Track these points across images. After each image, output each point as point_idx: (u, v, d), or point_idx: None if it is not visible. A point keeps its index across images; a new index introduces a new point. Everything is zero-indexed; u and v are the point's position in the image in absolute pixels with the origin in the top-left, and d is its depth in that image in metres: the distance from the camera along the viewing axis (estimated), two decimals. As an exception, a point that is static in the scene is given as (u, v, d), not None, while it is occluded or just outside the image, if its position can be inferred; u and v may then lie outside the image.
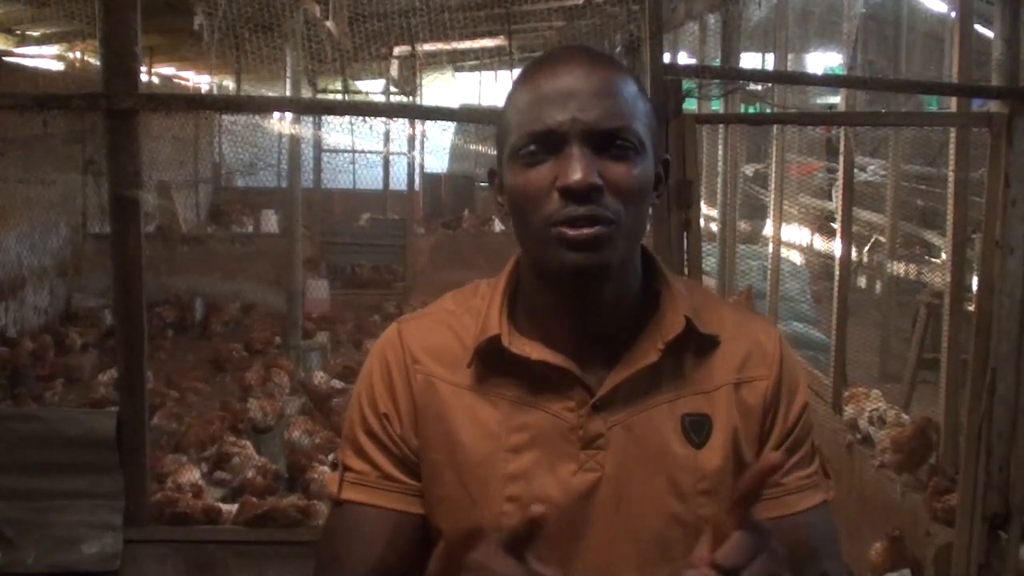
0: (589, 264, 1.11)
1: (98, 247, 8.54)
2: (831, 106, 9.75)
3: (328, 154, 11.85)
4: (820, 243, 7.99)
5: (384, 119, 4.84)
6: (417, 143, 11.92)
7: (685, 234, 3.26)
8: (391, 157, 12.34)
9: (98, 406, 5.62)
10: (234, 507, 4.14)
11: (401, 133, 10.65)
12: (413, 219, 12.09)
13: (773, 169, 6.56)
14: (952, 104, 4.58)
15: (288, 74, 6.93)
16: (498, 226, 12.59)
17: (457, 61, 11.08)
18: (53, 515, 3.16)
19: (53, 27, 8.63)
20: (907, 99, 6.36)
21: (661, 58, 3.29)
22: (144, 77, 7.21)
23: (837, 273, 5.14)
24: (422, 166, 13.11)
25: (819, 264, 8.09)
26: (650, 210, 1.20)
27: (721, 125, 6.89)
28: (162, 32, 8.22)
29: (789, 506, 1.19)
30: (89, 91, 3.37)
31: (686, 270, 3.25)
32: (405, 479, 1.21)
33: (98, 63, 3.25)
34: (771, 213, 6.55)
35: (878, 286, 7.87)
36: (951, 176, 4.16)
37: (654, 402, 1.17)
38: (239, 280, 9.63)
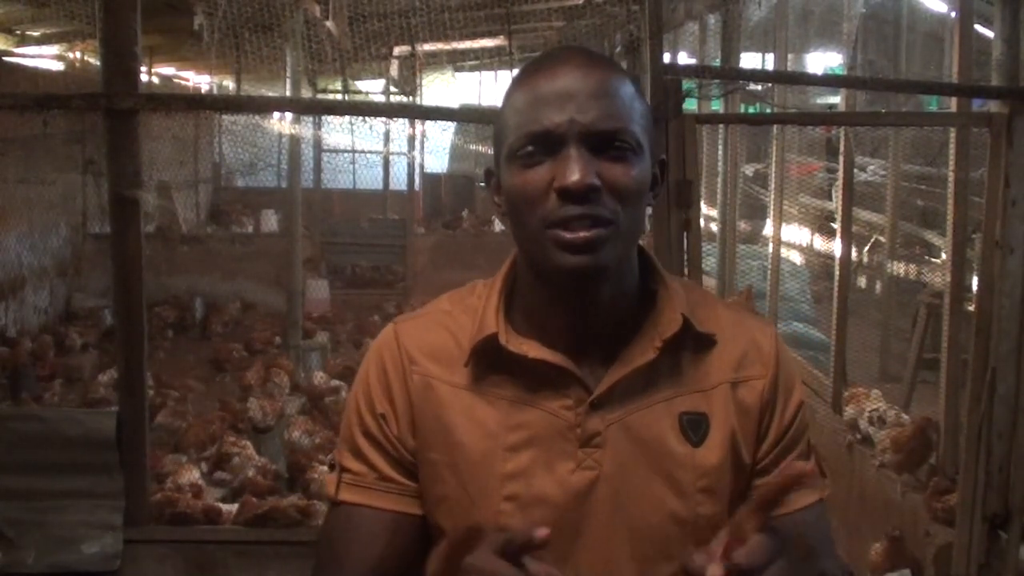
0: (586, 266, 1.11)
1: (98, 247, 8.54)
2: (831, 106, 9.75)
3: (328, 154, 11.85)
4: (820, 243, 7.99)
5: (384, 119, 4.84)
6: (417, 143, 11.91)
7: (685, 234, 3.26)
8: (391, 157, 12.34)
9: (98, 406, 5.62)
10: (234, 507, 4.14)
11: (401, 133, 10.64)
12: (413, 219, 12.09)
13: (773, 169, 6.56)
14: (952, 104, 4.58)
15: (288, 74, 6.93)
16: (498, 226, 12.58)
17: (457, 61, 11.09)
18: (53, 515, 3.16)
19: (53, 27, 8.62)
20: (907, 99, 6.36)
21: (661, 58, 3.29)
22: (144, 77, 7.21)
23: (837, 273, 5.14)
24: (422, 166, 13.11)
25: (819, 264, 8.09)
26: (648, 211, 1.20)
27: (721, 125, 6.89)
28: (162, 32, 8.21)
29: (786, 504, 1.19)
30: (89, 91, 3.37)
31: (686, 270, 3.25)
32: (402, 480, 1.21)
33: (98, 63, 3.25)
34: (771, 213, 6.55)
35: (878, 286, 7.86)
36: (951, 176, 4.16)
37: (652, 400, 1.18)
38: (239, 280, 9.63)
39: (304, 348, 7.34)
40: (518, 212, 1.15)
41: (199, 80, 14.43)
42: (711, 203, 7.79)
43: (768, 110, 7.22)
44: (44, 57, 9.58)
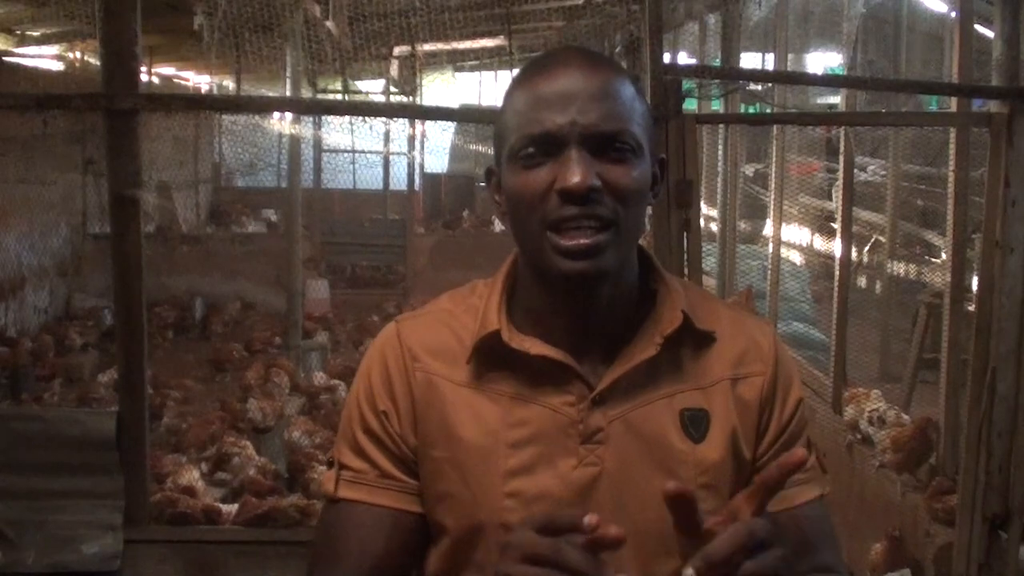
0: (586, 271, 1.12)
1: (98, 247, 8.54)
2: (831, 106, 9.76)
3: (328, 154, 11.85)
4: (820, 243, 7.99)
5: (384, 119, 4.84)
6: (417, 143, 11.93)
7: (685, 234, 3.26)
8: (391, 157, 12.35)
9: (97, 406, 5.62)
10: (234, 507, 4.14)
11: (401, 133, 10.67)
12: (413, 219, 12.10)
13: (773, 169, 6.56)
14: (952, 104, 4.58)
15: (288, 74, 6.93)
16: (498, 226, 12.59)
17: (457, 61, 11.09)
18: (53, 515, 3.17)
19: (53, 27, 8.62)
20: (907, 99, 6.36)
21: (661, 58, 3.29)
22: (144, 77, 7.21)
23: (837, 273, 5.14)
24: (422, 166, 13.13)
25: (819, 264, 8.09)
26: (648, 210, 1.21)
27: (721, 125, 6.89)
28: (162, 32, 8.22)
29: (787, 500, 1.20)
30: (89, 91, 3.38)
31: (686, 270, 3.25)
32: (404, 477, 1.21)
33: (98, 63, 3.25)
34: (771, 213, 6.55)
35: (878, 286, 7.86)
36: (951, 176, 4.16)
37: (653, 397, 1.18)
38: (239, 280, 9.64)
39: (304, 348, 7.34)
40: (518, 213, 1.16)
41: (199, 80, 14.43)
42: (711, 203, 7.79)
43: (768, 110, 7.22)
44: (44, 57, 9.58)
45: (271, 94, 8.88)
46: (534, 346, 1.18)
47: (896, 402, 5.33)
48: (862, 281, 8.29)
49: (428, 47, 8.13)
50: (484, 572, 1.17)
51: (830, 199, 7.29)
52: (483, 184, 14.09)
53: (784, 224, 6.59)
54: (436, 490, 1.20)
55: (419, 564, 1.23)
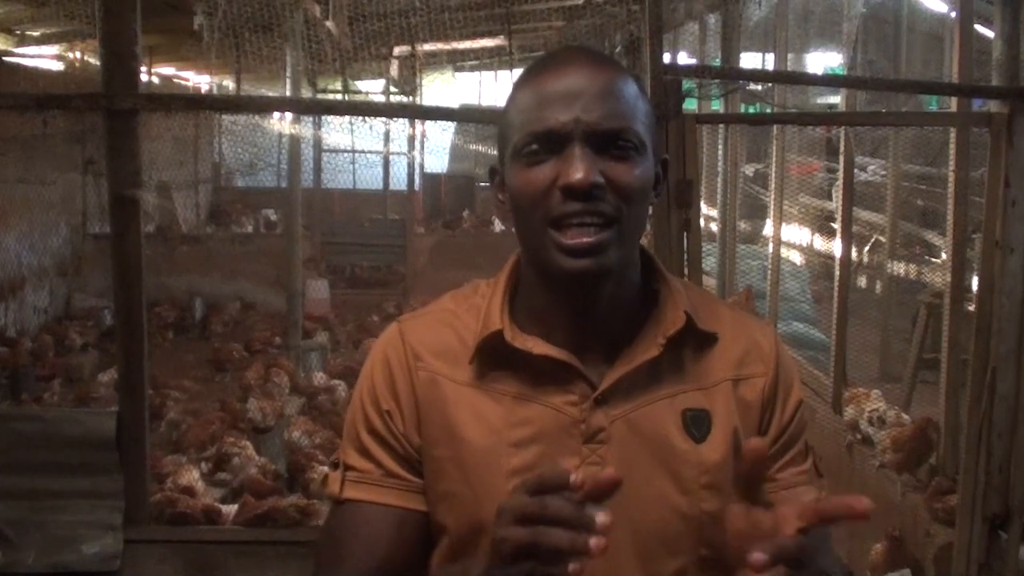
0: (589, 269, 1.12)
1: (98, 247, 8.54)
2: (831, 106, 9.75)
3: (328, 154, 11.85)
4: (820, 243, 7.99)
5: (384, 119, 4.84)
6: (417, 143, 11.93)
7: (685, 234, 3.26)
8: (391, 157, 12.35)
9: (96, 406, 5.62)
10: (234, 507, 4.14)
11: (401, 133, 10.66)
12: (413, 219, 12.09)
13: (773, 169, 6.56)
14: (952, 104, 4.58)
15: (288, 74, 6.93)
16: (498, 226, 12.59)
17: (457, 61, 11.09)
18: (53, 515, 3.16)
19: (53, 27, 8.62)
20: (907, 99, 6.36)
21: (661, 58, 3.29)
22: (144, 77, 7.20)
23: (837, 273, 5.14)
24: (422, 166, 13.13)
25: (819, 264, 8.09)
26: (649, 210, 1.21)
27: (721, 125, 6.89)
28: (162, 32, 8.22)
29: (786, 501, 1.20)
30: (89, 91, 3.37)
31: (686, 270, 3.25)
32: (408, 476, 1.22)
33: (98, 63, 3.24)
34: (771, 213, 6.55)
35: (878, 286, 7.86)
36: (951, 176, 4.16)
37: (655, 397, 1.19)
38: (239, 280, 9.64)
39: (304, 348, 7.34)
40: (521, 209, 1.16)
41: (199, 80, 14.43)
42: (711, 203, 7.79)
43: (768, 110, 7.22)
44: (44, 57, 9.57)
45: (271, 94, 8.87)
46: (537, 346, 1.18)
47: (896, 402, 5.33)
48: (862, 281, 8.30)
49: (428, 47, 8.12)
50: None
51: (830, 199, 7.29)
52: (483, 184, 14.19)
53: (784, 224, 6.59)
54: (438, 489, 1.20)
55: (426, 563, 1.23)
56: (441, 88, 11.99)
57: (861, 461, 4.87)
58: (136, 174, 3.17)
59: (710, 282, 6.65)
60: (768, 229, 6.96)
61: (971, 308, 4.05)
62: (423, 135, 11.28)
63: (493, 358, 1.20)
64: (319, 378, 6.69)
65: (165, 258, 9.23)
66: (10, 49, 9.13)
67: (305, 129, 8.30)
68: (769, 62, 8.15)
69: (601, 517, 0.92)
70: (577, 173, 1.10)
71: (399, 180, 12.73)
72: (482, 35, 8.34)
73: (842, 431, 5.04)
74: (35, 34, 9.19)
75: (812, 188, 7.74)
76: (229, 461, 4.83)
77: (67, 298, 9.17)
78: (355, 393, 1.27)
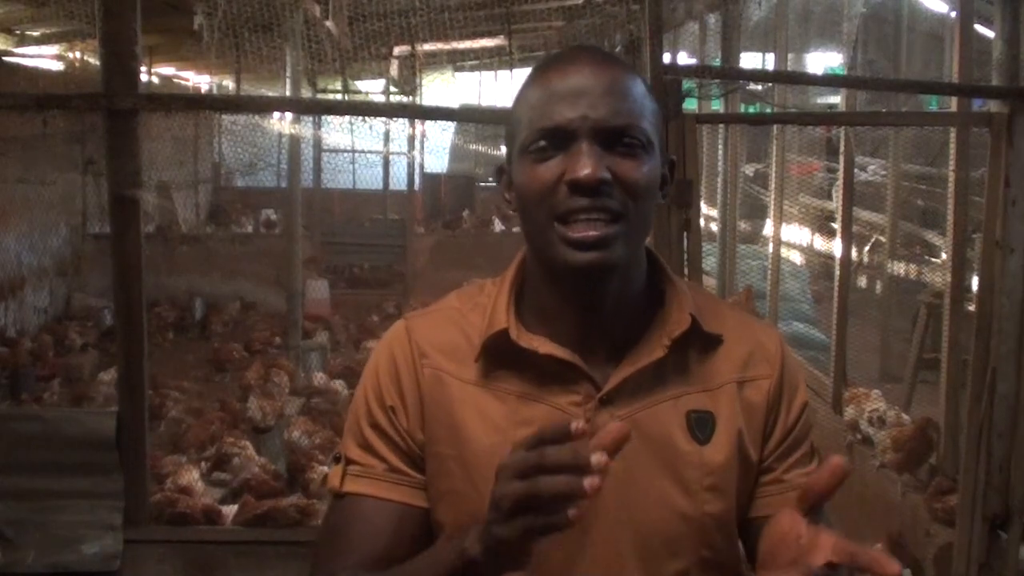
0: (595, 263, 1.12)
1: (98, 247, 8.54)
2: (831, 106, 9.75)
3: (328, 154, 11.85)
4: (820, 243, 7.99)
5: (384, 119, 4.84)
6: (417, 143, 11.93)
7: (685, 234, 3.26)
8: (391, 157, 12.35)
9: (93, 406, 5.62)
10: (234, 507, 4.14)
11: (401, 133, 10.66)
12: (413, 219, 12.09)
13: (773, 169, 6.56)
14: (952, 104, 4.58)
15: (288, 74, 6.93)
16: (498, 226, 12.59)
17: (457, 61, 11.09)
18: (53, 515, 3.16)
19: (53, 27, 8.62)
20: (907, 99, 6.36)
21: (661, 58, 3.29)
22: (144, 77, 7.20)
23: (837, 273, 5.14)
24: (422, 166, 13.12)
25: (819, 264, 8.09)
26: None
27: (721, 125, 6.89)
28: (162, 32, 8.22)
29: (791, 503, 1.20)
30: (89, 91, 3.37)
31: (686, 270, 3.25)
32: (410, 472, 1.22)
33: (98, 63, 3.24)
34: (771, 213, 6.55)
35: (878, 286, 7.86)
36: (951, 176, 4.16)
37: (659, 398, 1.19)
38: (239, 280, 9.64)
39: (304, 348, 7.34)
40: (527, 205, 1.16)
41: (199, 80, 14.43)
42: (711, 203, 7.79)
43: (768, 110, 7.22)
44: (44, 57, 9.57)
45: (271, 94, 8.87)
46: (542, 345, 1.18)
47: (896, 402, 5.33)
48: (862, 281, 8.30)
49: (428, 47, 8.12)
50: None
51: (830, 199, 7.28)
52: (483, 184, 14.19)
53: (784, 224, 6.59)
54: (440, 487, 1.20)
55: None
56: (441, 88, 11.99)
57: (861, 461, 4.87)
58: (136, 174, 3.17)
59: (710, 282, 6.65)
60: (768, 229, 6.96)
61: (971, 308, 4.05)
62: (423, 135, 11.29)
63: (498, 357, 1.20)
64: (319, 378, 6.69)
65: (165, 258, 9.22)
66: (10, 49, 9.13)
67: (305, 129, 8.30)
68: (769, 62, 8.14)
69: (596, 457, 0.91)
70: (584, 168, 1.10)
71: (399, 180, 12.73)
72: (482, 35, 8.34)
73: (842, 431, 5.04)
74: (35, 34, 9.19)
75: (812, 188, 7.73)
76: (229, 461, 4.83)
77: (67, 298, 9.17)
78: (359, 388, 1.27)
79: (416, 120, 8.24)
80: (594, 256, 1.12)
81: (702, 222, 4.30)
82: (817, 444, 1.30)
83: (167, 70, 13.37)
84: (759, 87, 6.30)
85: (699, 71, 3.70)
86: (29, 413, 4.57)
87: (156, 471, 4.34)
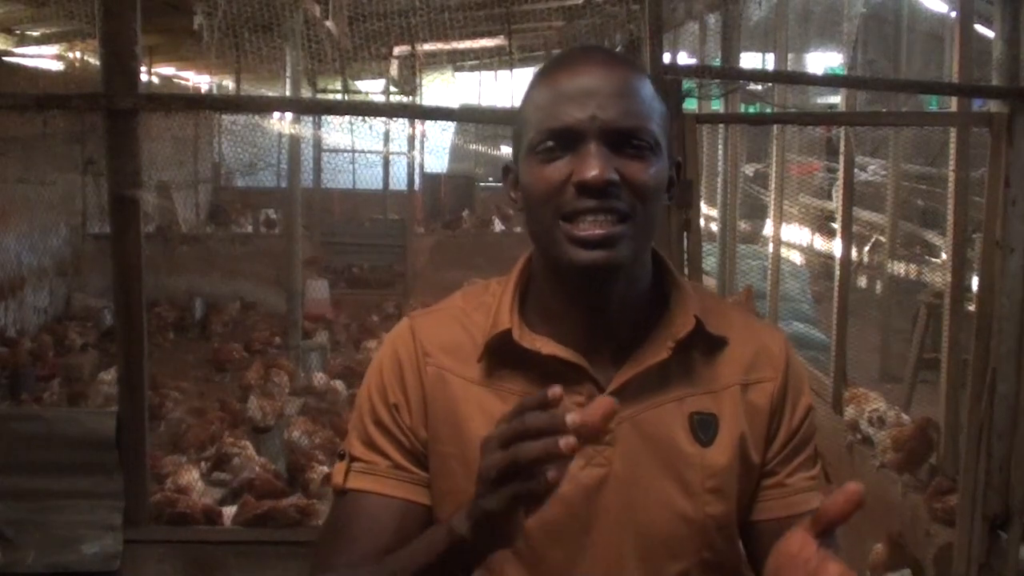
0: (601, 262, 1.12)
1: (98, 247, 8.54)
2: (831, 106, 9.75)
3: (328, 154, 11.85)
4: (820, 243, 7.99)
5: (384, 119, 4.84)
6: (417, 143, 11.93)
7: (685, 234, 3.26)
8: (391, 157, 12.35)
9: (92, 405, 5.62)
10: (234, 508, 4.14)
11: (401, 133, 10.66)
12: (413, 219, 12.09)
13: (773, 169, 6.56)
14: (952, 104, 4.58)
15: (288, 74, 6.93)
16: (498, 226, 12.59)
17: (457, 61, 11.07)
18: (53, 515, 3.16)
19: (53, 27, 8.62)
20: (907, 99, 6.36)
21: (661, 58, 3.29)
22: (144, 77, 7.20)
23: (837, 273, 5.14)
24: (422, 166, 13.12)
25: (819, 264, 8.09)
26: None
27: (721, 125, 6.89)
28: (162, 32, 8.22)
29: (794, 507, 1.21)
30: (89, 91, 3.37)
31: (686, 270, 3.25)
32: (413, 469, 1.22)
33: (98, 63, 3.24)
34: (771, 213, 6.55)
35: (878, 286, 7.86)
36: (951, 176, 4.16)
37: (663, 400, 1.19)
38: (239, 280, 9.63)
39: (304, 348, 7.34)
40: (533, 205, 1.16)
41: (199, 80, 14.43)
42: (711, 203, 7.79)
43: (768, 110, 7.22)
44: (44, 57, 9.57)
45: (271, 94, 8.87)
46: (545, 346, 1.18)
47: (896, 402, 5.33)
48: (862, 281, 8.29)
49: (428, 47, 8.12)
50: (489, 570, 1.17)
51: (830, 199, 7.28)
52: (483, 184, 14.18)
53: (784, 224, 6.59)
54: (442, 486, 1.20)
55: None
56: (441, 88, 11.98)
57: (861, 461, 4.87)
58: (136, 174, 3.17)
59: (710, 282, 6.65)
60: (768, 229, 6.95)
61: (971, 308, 4.05)
62: (423, 135, 11.29)
63: (502, 357, 1.20)
64: (319, 378, 6.69)
65: (165, 258, 9.22)
66: (10, 49, 9.13)
67: (305, 129, 8.30)
68: (769, 62, 8.14)
69: (571, 417, 0.93)
70: (592, 170, 1.10)
71: (399, 180, 12.73)
72: (482, 35, 8.33)
73: (842, 431, 5.04)
74: (35, 34, 9.18)
75: (812, 188, 7.73)
76: (229, 461, 4.83)
77: (67, 298, 9.17)
78: (363, 386, 1.27)
79: (416, 120, 8.23)
80: (599, 255, 1.11)
81: (702, 222, 4.30)
82: (817, 444, 1.29)
83: (167, 70, 13.37)
84: (759, 87, 6.30)
85: (699, 71, 3.70)
86: (29, 413, 4.56)
87: (156, 471, 4.34)
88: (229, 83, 12.43)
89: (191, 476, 4.45)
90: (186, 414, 5.76)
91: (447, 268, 9.97)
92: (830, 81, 5.94)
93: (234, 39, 5.78)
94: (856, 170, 5.65)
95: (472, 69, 12.91)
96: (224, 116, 8.85)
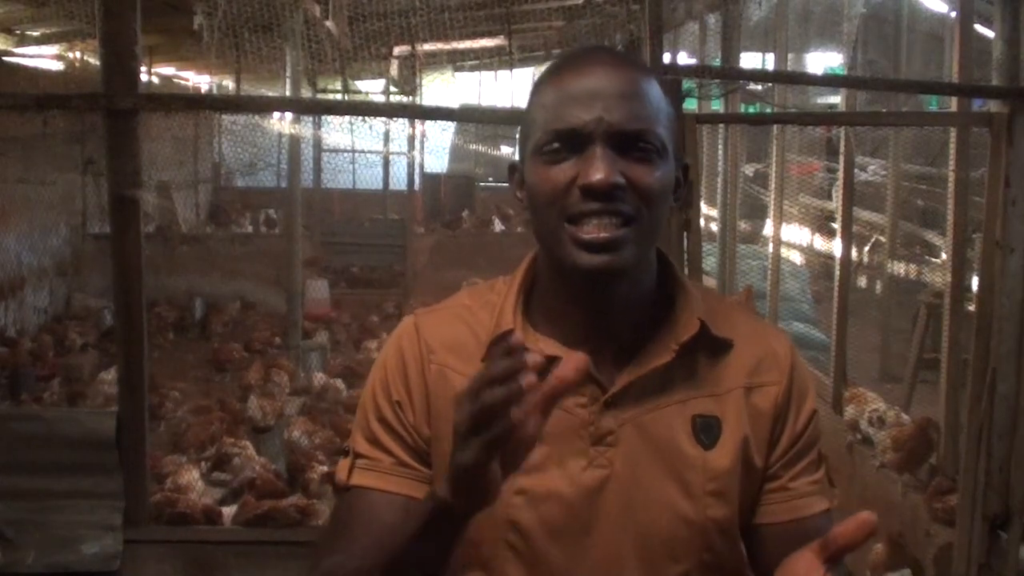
0: (605, 266, 1.12)
1: (98, 247, 8.53)
2: (831, 106, 9.75)
3: (328, 154, 11.85)
4: (820, 243, 7.99)
5: (384, 119, 4.84)
6: (417, 143, 11.93)
7: (685, 234, 3.26)
8: (391, 157, 12.35)
9: (91, 405, 5.62)
10: (234, 508, 4.14)
11: (401, 133, 10.66)
12: (413, 219, 12.09)
13: (773, 169, 6.56)
14: (952, 104, 4.58)
15: (288, 74, 6.93)
16: (498, 226, 12.59)
17: (457, 61, 11.07)
18: (53, 515, 3.17)
19: (53, 27, 8.62)
20: (907, 99, 6.36)
21: (661, 58, 3.29)
22: (144, 77, 7.20)
23: (837, 273, 5.14)
24: (422, 166, 13.12)
25: (819, 264, 8.09)
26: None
27: (721, 125, 6.89)
28: (162, 32, 8.22)
29: (797, 511, 1.21)
30: (89, 91, 3.37)
31: (686, 270, 3.25)
32: (417, 466, 1.22)
33: (98, 63, 3.25)
34: (771, 213, 6.55)
35: (878, 286, 7.87)
36: (951, 176, 4.16)
37: (665, 402, 1.19)
38: (239, 280, 9.63)
39: (304, 348, 7.34)
40: (538, 206, 1.16)
41: (199, 80, 14.43)
42: (711, 203, 7.79)
43: (768, 110, 7.22)
44: (44, 57, 9.57)
45: (271, 94, 8.87)
46: (548, 347, 1.18)
47: (896, 402, 5.33)
48: (862, 281, 8.30)
49: (428, 47, 8.11)
50: (489, 569, 1.17)
51: (830, 199, 7.28)
52: (483, 184, 14.16)
53: (784, 224, 6.59)
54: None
55: None
56: (441, 88, 11.98)
57: (861, 461, 4.87)
58: (136, 174, 3.18)
59: (710, 282, 6.64)
60: (768, 229, 6.95)
61: (971, 308, 4.05)
62: (423, 135, 11.29)
63: (504, 356, 1.20)
64: (319, 378, 6.68)
65: (165, 258, 9.22)
66: (10, 49, 9.13)
67: (305, 129, 8.30)
68: (769, 62, 8.15)
69: (530, 357, 0.94)
70: (598, 173, 1.10)
71: (399, 180, 12.72)
72: (482, 35, 8.33)
73: (842, 431, 5.04)
74: (35, 34, 9.18)
75: (812, 188, 7.73)
76: (229, 461, 4.83)
77: (67, 298, 9.16)
78: (368, 382, 1.28)
79: (416, 120, 8.23)
80: (604, 260, 1.11)
81: (702, 222, 4.31)
82: (824, 453, 1.28)
83: (167, 70, 13.36)
84: (759, 87, 6.31)
85: (699, 71, 3.71)
86: (29, 413, 4.57)
87: (156, 471, 4.34)
88: (229, 83, 12.43)
89: (191, 476, 4.45)
90: (186, 414, 5.75)
91: (447, 268, 9.97)
92: (830, 81, 5.94)
93: (234, 39, 5.78)
94: (856, 170, 5.65)
95: (472, 69, 12.89)
96: (224, 116, 8.85)
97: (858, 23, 5.67)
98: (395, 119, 5.00)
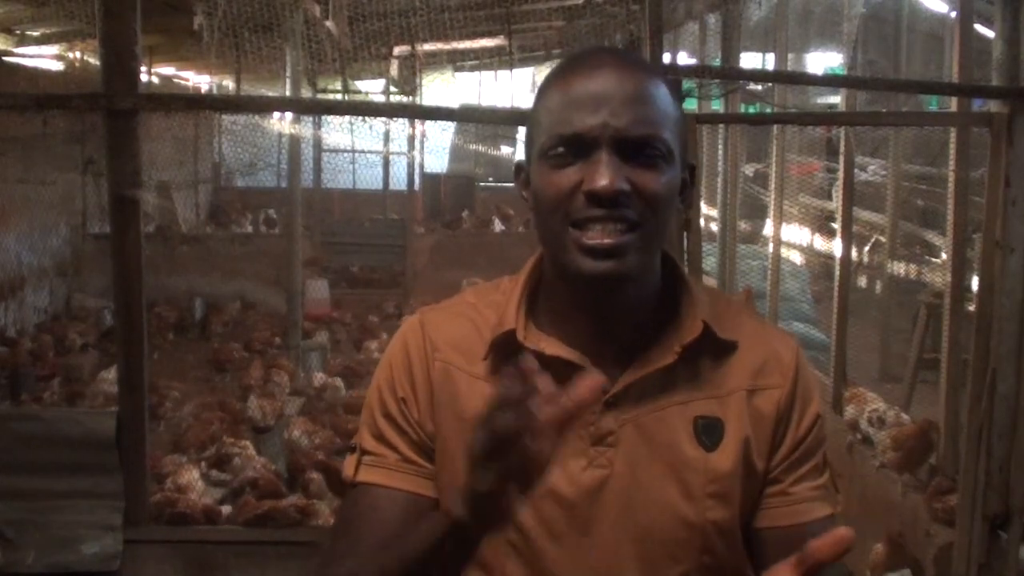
0: (609, 272, 1.12)
1: (98, 247, 8.52)
2: (831, 106, 9.75)
3: (328, 154, 11.84)
4: (820, 243, 7.99)
5: (384, 119, 4.84)
6: (417, 143, 11.93)
7: (685, 234, 3.26)
8: (391, 157, 12.34)
9: (92, 405, 5.62)
10: (234, 507, 4.13)
11: (401, 133, 10.67)
12: (413, 219, 12.09)
13: (773, 169, 6.55)
14: (952, 104, 4.58)
15: (288, 74, 6.93)
16: (498, 226, 12.59)
17: (457, 61, 11.07)
18: (53, 515, 3.17)
19: (53, 27, 8.62)
20: (907, 99, 6.36)
21: (661, 58, 3.29)
22: (144, 77, 7.20)
23: (837, 273, 5.13)
24: (422, 166, 13.12)
25: (819, 264, 8.09)
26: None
27: (721, 125, 6.89)
28: (162, 32, 8.22)
29: (799, 515, 1.20)
30: (89, 91, 3.37)
31: (686, 270, 3.25)
32: (422, 462, 1.22)
33: (98, 63, 3.25)
34: (771, 213, 6.54)
35: (878, 286, 7.87)
36: (951, 176, 4.15)
37: (667, 403, 1.18)
38: (239, 280, 9.63)
39: (304, 348, 7.34)
40: (543, 210, 1.16)
41: (199, 80, 14.43)
42: (711, 203, 7.79)
43: (768, 110, 7.22)
44: (44, 57, 9.56)
45: (271, 94, 8.87)
46: (549, 346, 1.18)
47: (896, 402, 5.33)
48: (862, 281, 8.30)
49: (428, 47, 8.12)
50: (489, 569, 1.17)
51: (830, 199, 7.28)
52: (483, 184, 14.15)
53: (784, 224, 6.58)
54: (447, 480, 1.20)
55: None
56: (441, 88, 11.98)
57: (861, 461, 4.86)
58: (136, 174, 3.18)
59: (710, 282, 6.64)
60: (768, 229, 6.95)
61: (971, 308, 4.05)
62: (423, 135, 11.29)
63: (507, 355, 1.19)
64: (319, 378, 6.68)
65: (165, 258, 9.22)
66: (10, 49, 9.12)
67: (305, 129, 8.30)
68: (769, 62, 8.15)
69: (543, 384, 0.94)
70: (603, 180, 1.09)
71: (399, 180, 12.72)
72: (482, 35, 8.33)
73: (842, 431, 5.04)
74: (35, 34, 9.18)
75: (812, 188, 7.73)
76: (229, 461, 4.82)
77: (67, 298, 9.15)
78: (374, 379, 1.28)
79: (416, 120, 8.24)
80: (608, 266, 1.11)
81: (702, 222, 4.31)
82: (830, 459, 1.27)
83: (167, 70, 13.36)
84: (759, 87, 6.31)
85: (699, 71, 3.71)
86: (29, 413, 4.56)
87: (156, 471, 4.34)
88: (229, 83, 12.42)
89: (191, 476, 4.45)
90: (186, 414, 5.75)
91: (447, 268, 9.96)
92: (830, 81, 5.94)
93: (234, 39, 5.78)
94: (856, 170, 5.65)
95: (472, 69, 12.90)
96: (224, 116, 8.86)
97: (858, 23, 5.67)
98: (395, 119, 5.01)
